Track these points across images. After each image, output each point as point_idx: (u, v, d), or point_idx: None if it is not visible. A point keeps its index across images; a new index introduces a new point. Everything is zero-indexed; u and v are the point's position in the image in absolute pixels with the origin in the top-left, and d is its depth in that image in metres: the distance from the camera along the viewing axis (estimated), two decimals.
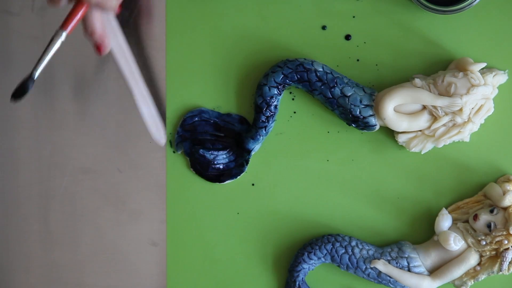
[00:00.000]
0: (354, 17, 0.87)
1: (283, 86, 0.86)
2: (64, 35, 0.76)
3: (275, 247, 0.90)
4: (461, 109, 0.82)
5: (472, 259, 0.84)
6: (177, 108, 0.89)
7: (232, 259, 0.90)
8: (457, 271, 0.84)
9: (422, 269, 0.85)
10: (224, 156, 0.89)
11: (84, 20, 0.79)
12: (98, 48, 0.80)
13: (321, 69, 0.85)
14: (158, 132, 0.88)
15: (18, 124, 0.92)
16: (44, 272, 0.93)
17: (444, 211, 0.85)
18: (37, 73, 0.77)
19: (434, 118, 0.84)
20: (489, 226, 0.83)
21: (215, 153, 0.89)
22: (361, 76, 0.87)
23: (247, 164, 0.88)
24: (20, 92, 0.77)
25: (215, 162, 0.88)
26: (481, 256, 0.84)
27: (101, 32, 0.78)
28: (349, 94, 0.84)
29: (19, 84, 0.77)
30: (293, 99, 0.88)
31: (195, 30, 0.89)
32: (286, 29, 0.88)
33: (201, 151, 0.88)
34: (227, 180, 0.89)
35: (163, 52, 0.89)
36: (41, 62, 0.77)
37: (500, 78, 0.85)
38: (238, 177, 0.89)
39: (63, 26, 0.76)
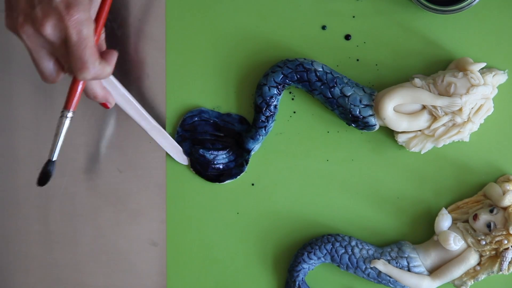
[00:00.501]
0: (354, 17, 0.87)
1: (283, 86, 0.86)
2: (70, 114, 0.77)
3: (275, 247, 0.90)
4: (460, 109, 0.82)
5: (472, 259, 0.84)
6: (177, 108, 0.89)
7: (232, 259, 0.90)
8: (457, 271, 0.84)
9: (422, 269, 0.85)
10: (224, 156, 0.89)
11: (85, 89, 0.80)
12: (104, 105, 0.82)
13: (321, 69, 0.85)
14: (181, 156, 0.89)
15: (18, 124, 0.92)
16: (44, 272, 0.93)
17: (444, 211, 0.85)
18: (55, 156, 0.78)
19: (434, 118, 0.84)
20: (489, 226, 0.83)
21: (215, 153, 0.89)
22: (361, 76, 0.87)
23: (247, 164, 0.88)
24: (44, 178, 0.79)
25: (215, 162, 0.88)
26: (481, 256, 0.84)
27: (103, 94, 0.80)
28: (349, 94, 0.84)
29: (41, 171, 0.79)
30: (292, 99, 0.88)
31: (195, 30, 0.89)
32: (286, 29, 0.88)
33: (201, 151, 0.88)
34: (227, 180, 0.89)
35: (163, 52, 0.89)
36: (56, 145, 0.78)
37: (500, 78, 0.85)
38: (238, 177, 0.89)
39: (67, 106, 0.77)
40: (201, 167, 0.88)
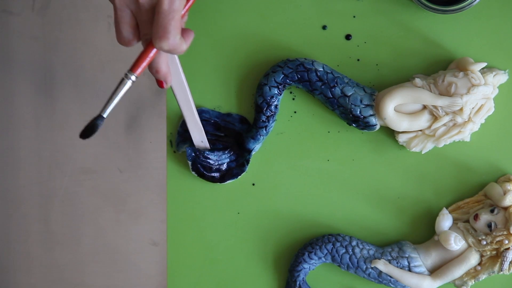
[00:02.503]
0: (354, 17, 0.87)
1: (284, 86, 0.86)
2: (133, 77, 0.76)
3: (275, 246, 0.90)
4: (461, 109, 0.82)
5: (473, 259, 0.84)
6: (177, 108, 0.89)
7: (232, 259, 0.90)
8: (458, 271, 0.84)
9: (422, 269, 0.85)
10: (226, 156, 0.89)
11: (150, 62, 0.79)
12: (160, 84, 0.81)
13: (322, 69, 0.85)
14: None
15: (18, 124, 0.92)
16: (44, 272, 0.93)
17: (444, 211, 0.85)
18: (106, 113, 0.77)
19: (435, 117, 0.84)
20: (489, 226, 0.83)
21: (219, 153, 0.88)
22: (361, 76, 0.87)
23: (247, 164, 0.88)
24: (89, 131, 0.77)
25: (219, 163, 0.88)
26: (481, 256, 0.84)
27: (165, 71, 0.79)
28: (350, 93, 0.84)
29: (88, 122, 0.77)
30: (293, 99, 0.88)
31: (195, 30, 0.88)
32: (286, 28, 0.88)
33: (206, 153, 0.88)
34: (228, 180, 0.88)
35: None
36: (111, 102, 0.77)
37: (501, 77, 0.85)
38: (239, 177, 0.89)
39: (133, 68, 0.76)
40: (204, 169, 0.88)
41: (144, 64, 0.77)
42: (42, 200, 0.93)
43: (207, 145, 0.88)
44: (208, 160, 0.88)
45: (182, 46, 0.76)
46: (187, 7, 0.78)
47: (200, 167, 0.88)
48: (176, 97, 0.85)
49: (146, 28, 0.75)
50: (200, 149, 0.88)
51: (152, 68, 0.78)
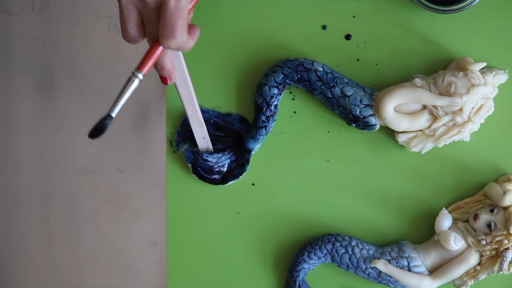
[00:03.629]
0: (354, 16, 0.87)
1: (283, 86, 0.86)
2: (141, 76, 0.76)
3: (275, 247, 0.90)
4: (461, 109, 0.82)
5: (473, 259, 0.84)
6: (177, 108, 0.89)
7: (232, 259, 0.90)
8: (458, 271, 0.84)
9: (422, 269, 0.85)
10: (226, 157, 0.88)
11: None
12: (164, 80, 0.81)
13: (321, 69, 0.85)
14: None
15: (18, 124, 0.92)
16: (44, 272, 0.93)
17: (444, 211, 0.85)
18: (115, 112, 0.76)
19: (434, 117, 0.84)
20: (489, 225, 0.83)
21: (218, 155, 0.88)
22: (361, 76, 0.87)
23: (248, 164, 0.88)
24: (99, 130, 0.76)
25: (219, 165, 0.88)
26: (481, 255, 0.84)
27: (170, 68, 0.79)
28: (349, 93, 0.84)
29: (97, 122, 0.76)
30: (293, 98, 0.88)
31: None
32: (286, 28, 0.88)
33: (204, 155, 0.87)
34: (230, 181, 0.88)
35: None
36: (119, 101, 0.76)
37: (500, 77, 0.85)
38: (240, 177, 0.89)
39: (140, 67, 0.76)
40: (205, 172, 0.88)
41: (151, 62, 0.76)
42: (42, 200, 0.93)
43: (209, 142, 0.88)
44: (207, 163, 0.88)
45: (189, 43, 0.76)
46: (193, 3, 0.78)
47: (201, 170, 0.88)
48: (179, 93, 0.85)
49: (152, 26, 0.75)
50: (198, 151, 0.88)
51: (157, 65, 0.78)
